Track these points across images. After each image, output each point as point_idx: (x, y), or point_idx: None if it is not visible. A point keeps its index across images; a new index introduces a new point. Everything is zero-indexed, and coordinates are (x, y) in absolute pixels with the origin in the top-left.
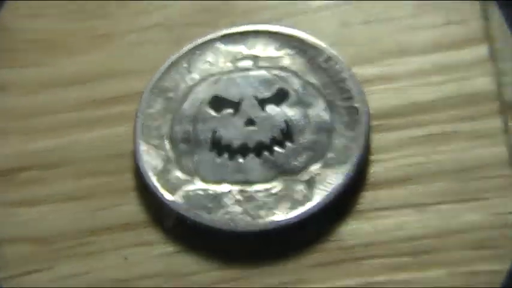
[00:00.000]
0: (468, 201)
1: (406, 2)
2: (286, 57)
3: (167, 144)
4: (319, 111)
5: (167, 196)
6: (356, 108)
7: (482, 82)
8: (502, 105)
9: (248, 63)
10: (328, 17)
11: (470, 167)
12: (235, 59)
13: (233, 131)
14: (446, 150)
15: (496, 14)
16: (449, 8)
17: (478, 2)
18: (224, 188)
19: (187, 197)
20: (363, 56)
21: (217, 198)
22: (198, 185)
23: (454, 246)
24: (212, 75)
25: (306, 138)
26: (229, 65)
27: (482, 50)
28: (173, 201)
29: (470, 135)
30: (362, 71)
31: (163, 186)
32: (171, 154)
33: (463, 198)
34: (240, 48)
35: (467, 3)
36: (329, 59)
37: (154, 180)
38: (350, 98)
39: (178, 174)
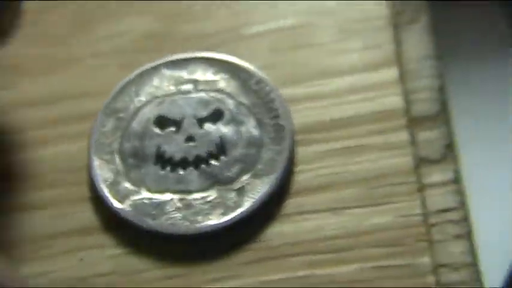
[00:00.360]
0: (378, 205)
1: (328, 29)
2: (222, 81)
3: (117, 159)
4: (250, 128)
5: (116, 204)
6: (282, 126)
7: (393, 100)
8: (409, 121)
9: (189, 86)
10: (260, 43)
11: (380, 175)
12: (178, 82)
13: (175, 146)
14: (360, 160)
15: (407, 40)
16: (366, 35)
17: (391, 28)
18: (166, 196)
19: (134, 205)
20: (290, 78)
21: (160, 206)
22: (144, 194)
23: (366, 245)
24: (157, 97)
25: (238, 152)
26: (172, 88)
27: (393, 72)
28: (122, 209)
29: (381, 147)
30: (289, 91)
31: (113, 196)
32: (120, 167)
33: (374, 202)
34: (182, 73)
35: (382, 30)
36: (259, 81)
37: (105, 191)
38: (277, 116)
39: (127, 185)
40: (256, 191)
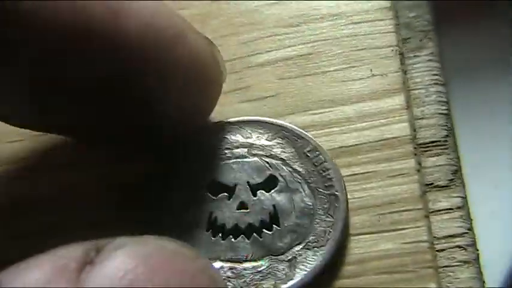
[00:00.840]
0: (385, 231)
1: (335, 58)
2: (277, 146)
3: None
4: (303, 197)
5: None
6: (336, 196)
7: (400, 127)
8: (416, 147)
9: (243, 150)
10: (268, 71)
11: (387, 202)
12: (232, 146)
13: (227, 213)
14: (367, 188)
15: (413, 67)
16: (373, 63)
17: (398, 56)
18: (217, 265)
19: None
20: (298, 106)
21: None
22: None
23: (373, 271)
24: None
25: (290, 221)
26: (226, 151)
27: (400, 99)
28: None
29: (387, 175)
30: (297, 119)
31: None
32: None
33: (381, 229)
34: (237, 137)
35: (388, 58)
36: (314, 149)
37: None
38: (331, 186)
39: None
40: (307, 263)
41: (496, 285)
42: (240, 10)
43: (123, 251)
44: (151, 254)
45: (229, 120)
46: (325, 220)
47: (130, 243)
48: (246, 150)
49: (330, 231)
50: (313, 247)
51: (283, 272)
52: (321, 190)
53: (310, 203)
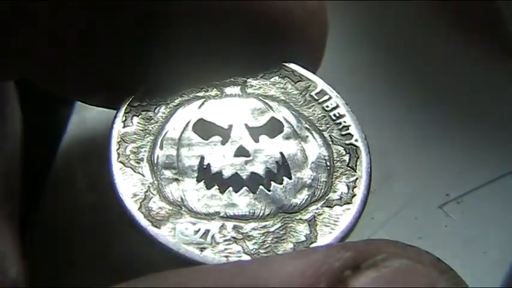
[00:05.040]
0: None
1: None
2: (277, 86)
3: (147, 170)
4: (316, 146)
5: (152, 229)
6: (356, 146)
7: None
8: None
9: (236, 89)
10: None
11: None
12: (224, 83)
13: (222, 160)
14: None
15: None
16: None
17: None
18: (216, 223)
19: (175, 230)
20: None
21: (209, 234)
22: (186, 218)
23: None
24: (198, 97)
25: (305, 174)
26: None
27: None
28: (159, 235)
29: None
30: None
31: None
32: (152, 180)
33: None
34: None
35: None
36: (323, 92)
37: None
38: (349, 135)
39: (162, 204)
40: (333, 223)
41: (497, 285)
42: None
43: None
44: None
45: None
46: (345, 174)
47: None
48: (238, 88)
49: (355, 187)
50: (335, 205)
51: (303, 234)
52: (337, 139)
53: (325, 154)
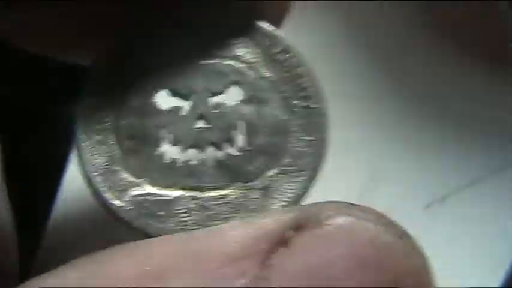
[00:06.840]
0: None
1: None
2: (240, 46)
3: (112, 140)
4: (275, 109)
5: (113, 201)
6: (314, 109)
7: None
8: None
9: None
10: None
11: None
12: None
13: (182, 128)
14: None
15: None
16: None
17: None
18: (175, 193)
19: (135, 202)
20: None
21: (168, 205)
22: (147, 189)
23: None
24: None
25: (261, 140)
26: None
27: None
28: (120, 207)
29: None
30: None
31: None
32: (116, 152)
33: None
34: None
35: None
36: (286, 50)
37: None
38: (307, 97)
39: (125, 175)
40: (284, 192)
41: (497, 285)
42: None
43: None
44: None
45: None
46: (301, 139)
47: None
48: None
49: (309, 153)
50: (289, 172)
51: (256, 202)
52: (296, 102)
53: (283, 118)
